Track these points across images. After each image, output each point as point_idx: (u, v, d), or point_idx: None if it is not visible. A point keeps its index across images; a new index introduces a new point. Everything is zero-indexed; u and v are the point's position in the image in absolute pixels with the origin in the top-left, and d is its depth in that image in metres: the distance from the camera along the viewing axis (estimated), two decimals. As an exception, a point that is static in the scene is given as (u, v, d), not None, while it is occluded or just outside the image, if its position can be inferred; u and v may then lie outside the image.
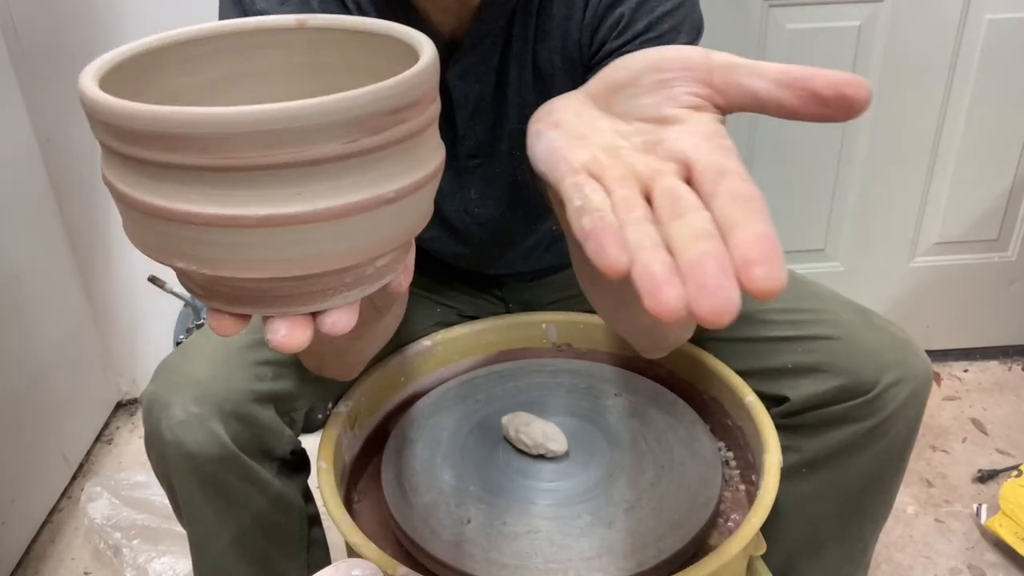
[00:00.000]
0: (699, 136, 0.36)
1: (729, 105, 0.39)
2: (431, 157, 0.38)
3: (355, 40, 0.41)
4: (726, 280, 0.30)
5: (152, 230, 0.34)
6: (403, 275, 0.42)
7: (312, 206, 0.33)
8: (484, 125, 0.80)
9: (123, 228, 0.38)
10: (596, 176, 0.37)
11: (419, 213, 0.38)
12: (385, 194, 0.35)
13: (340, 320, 0.38)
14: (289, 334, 0.37)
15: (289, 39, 0.41)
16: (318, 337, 0.38)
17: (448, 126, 0.80)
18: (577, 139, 0.40)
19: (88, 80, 0.35)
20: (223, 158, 0.31)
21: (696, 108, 0.38)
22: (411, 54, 0.38)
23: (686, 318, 0.31)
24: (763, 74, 0.37)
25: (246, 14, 0.71)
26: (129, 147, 0.33)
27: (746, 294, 0.30)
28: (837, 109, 0.36)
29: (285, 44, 0.42)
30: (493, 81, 0.78)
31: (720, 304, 0.30)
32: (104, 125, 0.33)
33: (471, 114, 0.79)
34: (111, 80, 0.36)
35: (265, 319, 0.37)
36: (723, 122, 0.39)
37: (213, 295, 0.37)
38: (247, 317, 0.38)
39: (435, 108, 0.38)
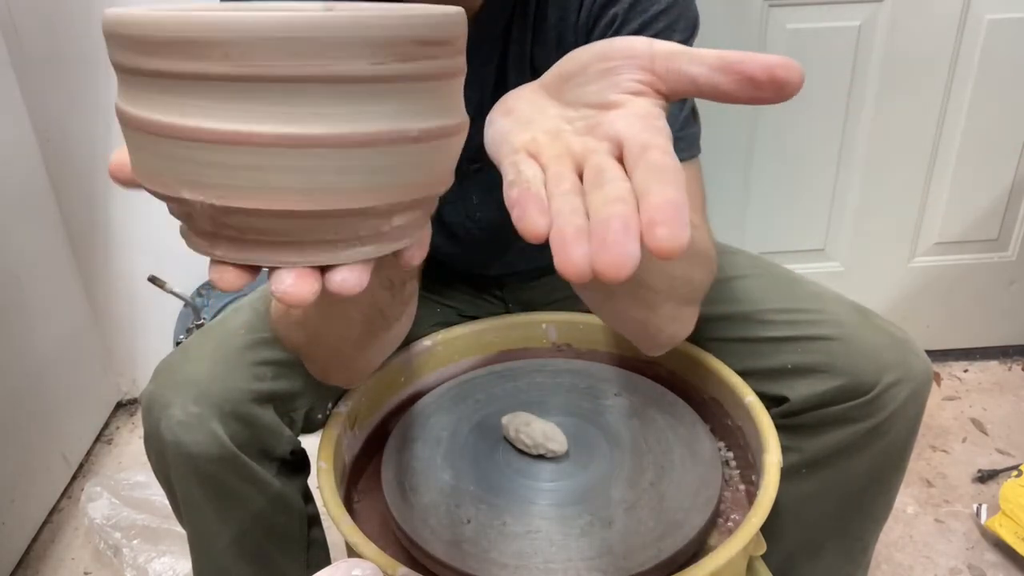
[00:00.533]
0: (634, 117, 0.38)
1: (670, 91, 0.40)
2: (456, 111, 0.38)
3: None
4: (627, 238, 0.32)
5: (162, 153, 0.33)
6: (418, 248, 0.40)
7: (332, 129, 0.31)
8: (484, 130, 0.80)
9: (132, 167, 0.36)
10: (534, 155, 0.39)
11: (442, 167, 0.37)
12: (409, 131, 0.33)
13: (350, 278, 0.35)
14: (295, 284, 0.34)
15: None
16: (325, 298, 0.36)
17: None
18: (524, 124, 0.43)
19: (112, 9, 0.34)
20: (245, 66, 0.30)
21: (637, 94, 0.40)
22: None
23: (592, 276, 0.32)
24: (701, 60, 0.39)
25: None
26: (149, 59, 0.31)
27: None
28: (770, 91, 0.37)
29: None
30: (492, 86, 0.79)
31: (616, 259, 0.31)
32: (126, 39, 0.32)
33: (472, 118, 0.79)
34: None
35: (271, 271, 0.35)
36: (663, 107, 0.41)
37: (217, 239, 0.35)
38: (252, 271, 0.36)
39: (462, 63, 0.37)
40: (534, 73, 0.77)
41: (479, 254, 0.91)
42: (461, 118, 0.38)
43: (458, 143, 0.39)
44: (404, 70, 0.32)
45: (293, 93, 0.31)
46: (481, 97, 0.78)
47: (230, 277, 0.36)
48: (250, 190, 0.32)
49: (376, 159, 0.33)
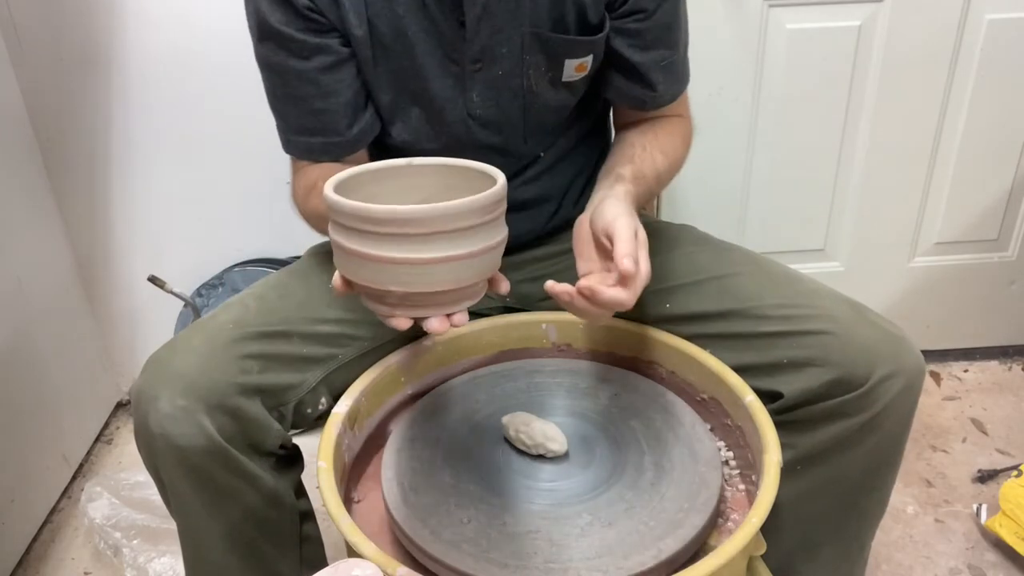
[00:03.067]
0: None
1: None
2: (502, 231, 0.67)
3: (443, 170, 0.72)
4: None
5: (376, 270, 0.63)
6: (501, 284, 0.71)
7: (463, 251, 0.63)
8: (491, 28, 0.84)
9: (345, 274, 0.66)
10: None
11: (495, 261, 0.68)
12: (491, 245, 0.65)
13: (461, 319, 0.67)
14: (439, 324, 0.65)
15: (403, 171, 0.72)
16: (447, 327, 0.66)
17: (452, 29, 0.84)
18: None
19: (331, 190, 0.64)
20: (423, 229, 0.61)
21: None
22: (477, 175, 0.69)
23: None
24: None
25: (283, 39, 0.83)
26: (376, 227, 0.61)
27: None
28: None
29: (400, 175, 0.72)
30: None
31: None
32: (357, 217, 0.62)
33: (479, 17, 0.83)
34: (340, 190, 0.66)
35: (422, 320, 0.66)
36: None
37: (398, 307, 0.66)
38: (411, 319, 0.66)
39: (504, 207, 0.67)
40: None
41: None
42: (504, 234, 0.67)
43: (501, 249, 0.67)
44: (484, 219, 0.63)
45: (449, 237, 0.62)
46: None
47: (402, 323, 0.66)
48: (425, 283, 0.63)
49: (478, 262, 0.64)
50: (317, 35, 0.83)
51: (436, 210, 0.61)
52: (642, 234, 0.75)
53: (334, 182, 0.66)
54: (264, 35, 0.83)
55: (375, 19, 0.83)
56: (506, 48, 0.85)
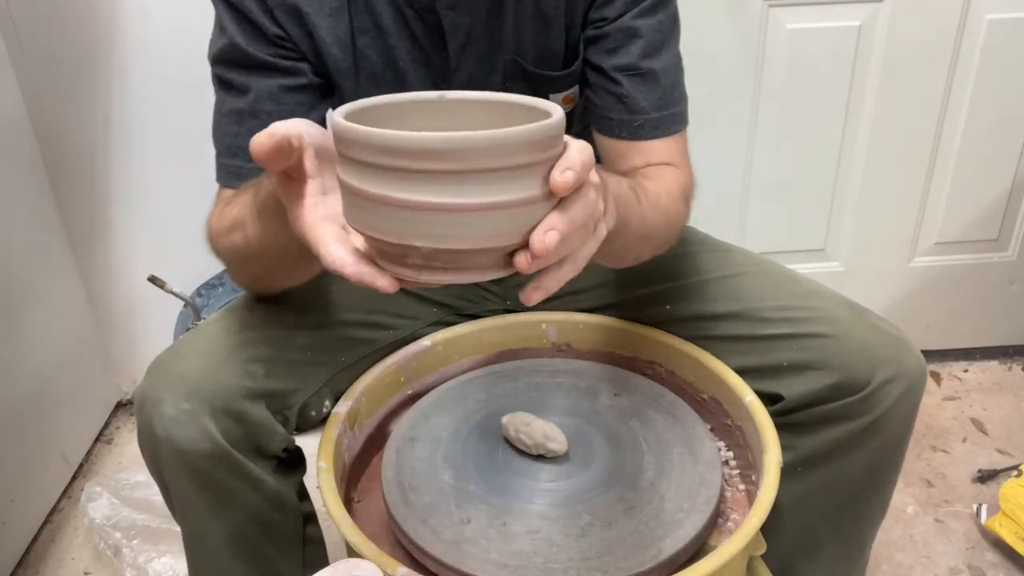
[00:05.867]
0: None
1: None
2: (545, 183, 0.51)
3: (482, 106, 0.57)
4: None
5: (398, 218, 0.49)
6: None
7: (511, 195, 0.48)
8: (475, 57, 0.83)
9: (357, 225, 0.51)
10: None
11: (533, 222, 0.51)
12: (533, 196, 0.49)
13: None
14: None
15: (433, 107, 0.57)
16: (277, 228, 0.57)
17: (440, 58, 0.83)
18: None
19: (342, 118, 0.50)
20: (462, 165, 0.46)
21: None
22: (525, 112, 0.54)
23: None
24: None
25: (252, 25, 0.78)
26: (394, 160, 0.47)
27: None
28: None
29: (429, 110, 0.57)
30: (484, 12, 0.81)
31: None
32: (378, 148, 0.47)
33: (462, 45, 0.83)
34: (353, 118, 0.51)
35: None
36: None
37: (422, 269, 0.51)
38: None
39: (563, 147, 0.51)
40: (536, 2, 0.81)
41: None
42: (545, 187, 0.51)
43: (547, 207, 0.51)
44: (548, 155, 0.49)
45: (488, 178, 0.47)
46: (472, 21, 0.81)
47: (388, 283, 0.52)
48: (460, 238, 0.49)
49: (510, 215, 0.49)
50: (286, 60, 0.81)
51: (482, 139, 0.47)
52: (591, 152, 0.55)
53: (344, 110, 0.53)
54: (228, 55, 0.80)
55: (365, 49, 0.82)
56: (492, 77, 0.85)
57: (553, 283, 0.52)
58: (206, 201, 0.82)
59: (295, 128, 0.53)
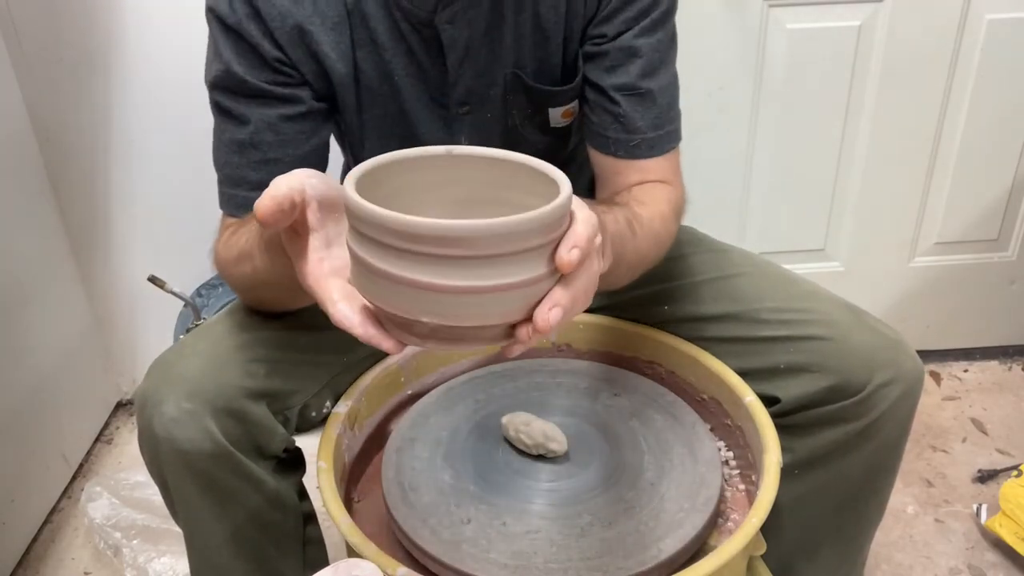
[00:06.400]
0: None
1: None
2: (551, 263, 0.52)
3: (488, 164, 0.57)
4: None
5: (409, 296, 0.50)
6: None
7: (518, 277, 0.49)
8: (474, 71, 0.83)
9: (371, 297, 0.52)
10: None
11: (534, 303, 0.52)
12: (538, 276, 0.50)
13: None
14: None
15: (441, 162, 0.58)
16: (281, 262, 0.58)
17: (438, 71, 0.83)
18: None
19: (354, 191, 0.50)
20: (477, 251, 0.48)
21: None
22: (528, 173, 0.55)
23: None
24: None
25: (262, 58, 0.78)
26: (415, 245, 0.48)
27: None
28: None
29: (437, 166, 0.58)
30: (483, 25, 0.81)
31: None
32: (390, 231, 0.48)
33: (461, 59, 0.82)
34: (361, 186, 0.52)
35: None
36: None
37: (428, 339, 0.53)
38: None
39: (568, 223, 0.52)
40: (535, 16, 0.81)
41: None
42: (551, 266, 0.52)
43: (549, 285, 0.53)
44: (556, 235, 0.50)
45: (499, 262, 0.49)
46: (471, 35, 0.81)
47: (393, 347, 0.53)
48: (467, 316, 0.50)
49: (517, 295, 0.51)
50: (285, 87, 0.80)
51: (495, 227, 0.47)
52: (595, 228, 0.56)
53: (355, 177, 0.52)
54: (225, 82, 0.79)
55: (362, 63, 0.82)
56: (491, 90, 0.85)
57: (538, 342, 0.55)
58: (206, 201, 0.82)
59: (297, 182, 0.53)
